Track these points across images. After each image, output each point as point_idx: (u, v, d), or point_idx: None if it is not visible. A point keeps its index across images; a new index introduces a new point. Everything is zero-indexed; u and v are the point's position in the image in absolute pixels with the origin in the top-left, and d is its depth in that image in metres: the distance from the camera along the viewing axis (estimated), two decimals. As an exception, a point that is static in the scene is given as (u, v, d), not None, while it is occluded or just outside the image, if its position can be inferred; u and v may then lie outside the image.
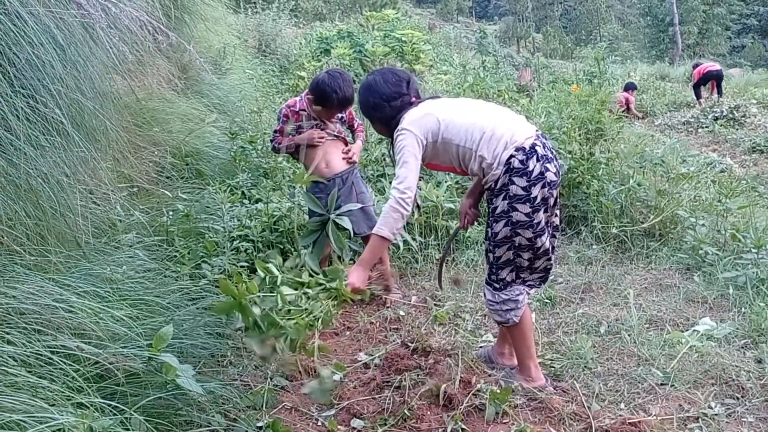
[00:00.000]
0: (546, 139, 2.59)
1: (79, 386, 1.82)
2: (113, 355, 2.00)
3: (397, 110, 2.66)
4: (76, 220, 2.48)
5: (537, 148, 2.47)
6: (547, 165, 2.48)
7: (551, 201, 2.55)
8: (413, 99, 2.70)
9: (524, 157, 2.44)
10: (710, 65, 14.30)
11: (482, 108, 2.65)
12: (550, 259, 2.65)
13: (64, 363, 1.83)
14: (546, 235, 2.55)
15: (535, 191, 2.45)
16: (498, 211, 2.51)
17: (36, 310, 1.90)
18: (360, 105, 2.77)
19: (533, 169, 2.44)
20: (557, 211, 2.65)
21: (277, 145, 3.71)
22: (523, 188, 2.45)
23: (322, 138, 3.59)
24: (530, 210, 2.46)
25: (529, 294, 2.72)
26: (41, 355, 1.80)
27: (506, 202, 2.48)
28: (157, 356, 2.05)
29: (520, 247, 2.54)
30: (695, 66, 15.17)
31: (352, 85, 3.53)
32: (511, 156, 2.45)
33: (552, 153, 2.55)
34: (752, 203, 4.62)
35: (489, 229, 2.59)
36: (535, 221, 2.48)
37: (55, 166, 2.44)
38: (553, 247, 2.65)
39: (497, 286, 2.63)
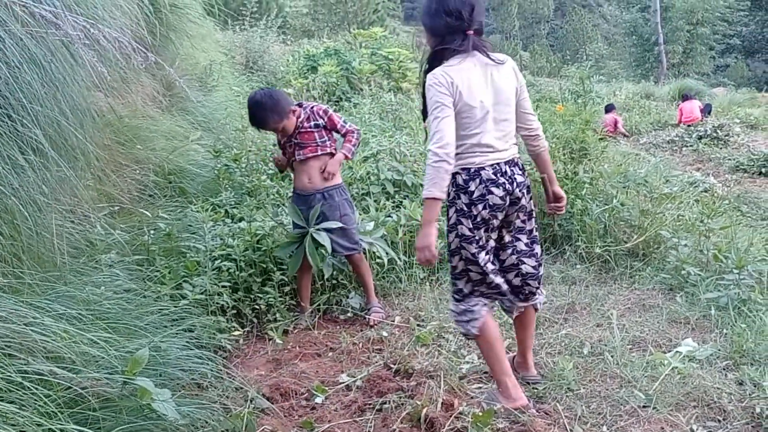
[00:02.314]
0: (512, 165, 2.65)
1: (51, 412, 1.79)
2: (87, 380, 1.97)
3: (452, 30, 2.58)
4: (52, 240, 2.45)
5: (482, 172, 2.59)
6: (492, 188, 2.58)
7: (495, 222, 2.63)
8: (470, 31, 2.58)
9: (467, 177, 2.59)
10: (687, 114, 13.89)
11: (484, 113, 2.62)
12: (520, 275, 2.73)
13: (36, 388, 1.79)
14: (486, 252, 2.65)
15: (475, 210, 2.58)
16: (450, 222, 2.66)
17: (6, 334, 1.87)
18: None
19: (474, 191, 2.58)
20: (520, 236, 2.73)
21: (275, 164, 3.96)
22: (466, 204, 2.59)
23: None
24: (472, 226, 2.60)
25: (488, 306, 2.74)
26: (11, 380, 1.77)
27: (456, 214, 2.63)
28: (133, 380, 2.01)
29: (467, 261, 2.65)
30: (685, 98, 15.00)
31: (266, 110, 3.56)
32: (457, 173, 2.60)
33: (507, 178, 2.61)
34: (734, 223, 4.64)
35: (447, 238, 2.70)
36: (477, 237, 2.61)
37: (33, 185, 2.41)
38: (519, 268, 2.72)
39: (457, 297, 2.72)
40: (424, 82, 2.60)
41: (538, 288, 2.80)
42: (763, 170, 9.23)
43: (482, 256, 2.63)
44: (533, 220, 2.78)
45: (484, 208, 2.58)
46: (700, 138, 11.79)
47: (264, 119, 3.57)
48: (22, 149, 2.33)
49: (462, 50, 2.59)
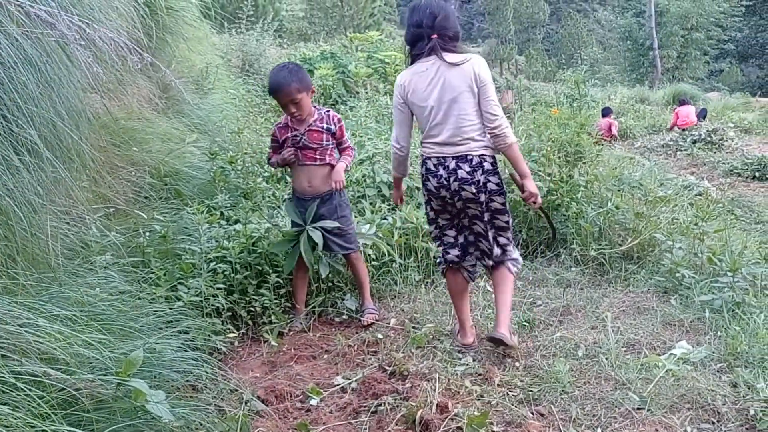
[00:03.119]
0: (460, 161, 3.02)
1: (45, 413, 1.78)
2: (81, 381, 1.96)
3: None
4: (47, 241, 2.44)
5: (428, 162, 3.10)
6: (429, 177, 3.10)
7: (434, 204, 3.19)
8: (434, 35, 3.00)
9: (421, 164, 3.17)
10: (683, 118, 14.06)
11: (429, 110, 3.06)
12: (479, 251, 3.24)
13: (29, 389, 1.79)
14: (436, 228, 3.28)
15: (423, 189, 3.19)
16: None
17: (0, 335, 1.86)
18: None
19: (422, 174, 3.16)
20: (477, 221, 3.15)
21: (268, 161, 3.88)
22: (421, 182, 3.20)
23: (291, 155, 3.67)
24: (426, 198, 3.22)
25: (450, 266, 3.33)
26: (5, 381, 1.76)
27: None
28: (127, 382, 2.01)
29: (427, 217, 3.33)
30: (681, 102, 15.12)
31: (290, 72, 3.51)
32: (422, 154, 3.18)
33: (447, 171, 3.03)
34: (728, 226, 4.66)
35: None
36: (427, 209, 3.26)
37: (28, 186, 2.41)
38: (477, 244, 3.23)
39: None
40: None
41: (502, 254, 3.20)
42: (757, 174, 9.28)
43: (429, 226, 3.34)
44: (491, 212, 3.11)
45: (426, 189, 3.16)
46: (694, 142, 11.84)
47: (286, 80, 3.48)
48: (17, 150, 2.33)
49: (423, 54, 3.02)
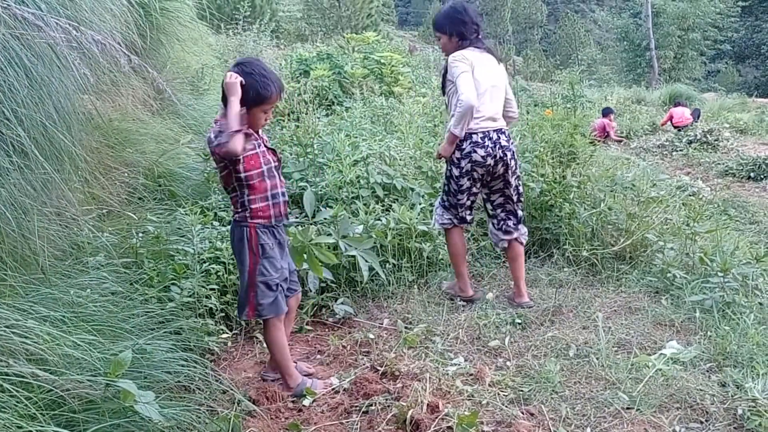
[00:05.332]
0: (499, 133, 3.71)
1: (32, 414, 1.78)
2: (69, 382, 1.97)
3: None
4: (36, 242, 2.45)
5: (474, 136, 3.67)
6: (477, 149, 3.66)
7: (477, 174, 3.74)
8: (480, 34, 3.81)
9: (463, 139, 3.67)
10: (678, 117, 14.01)
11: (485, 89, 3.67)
12: (505, 211, 3.91)
13: (17, 390, 1.79)
14: (467, 195, 3.81)
15: (464, 163, 3.71)
16: (449, 162, 3.82)
17: (-12, 336, 1.87)
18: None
19: (465, 148, 3.69)
20: (509, 188, 3.83)
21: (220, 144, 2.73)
22: (458, 158, 3.72)
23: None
24: (459, 174, 3.76)
25: (457, 223, 3.90)
26: (-8, 382, 1.76)
27: (450, 161, 3.78)
28: (115, 382, 2.01)
29: (449, 191, 3.85)
30: (676, 104, 15.13)
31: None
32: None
33: (492, 142, 3.67)
34: (720, 227, 4.67)
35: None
36: (460, 182, 3.78)
37: (17, 187, 2.41)
38: (505, 206, 3.91)
39: (442, 205, 3.95)
40: (445, 67, 3.72)
41: (516, 224, 3.88)
42: (752, 174, 9.31)
43: (461, 197, 3.81)
44: (516, 176, 3.84)
45: (469, 162, 3.68)
46: (690, 143, 11.86)
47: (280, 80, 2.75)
48: (6, 151, 2.33)
49: (477, 45, 3.73)
